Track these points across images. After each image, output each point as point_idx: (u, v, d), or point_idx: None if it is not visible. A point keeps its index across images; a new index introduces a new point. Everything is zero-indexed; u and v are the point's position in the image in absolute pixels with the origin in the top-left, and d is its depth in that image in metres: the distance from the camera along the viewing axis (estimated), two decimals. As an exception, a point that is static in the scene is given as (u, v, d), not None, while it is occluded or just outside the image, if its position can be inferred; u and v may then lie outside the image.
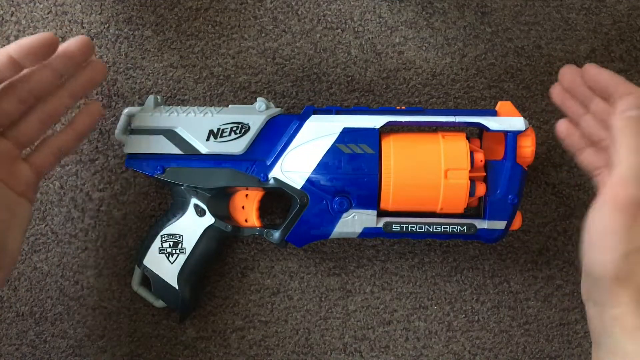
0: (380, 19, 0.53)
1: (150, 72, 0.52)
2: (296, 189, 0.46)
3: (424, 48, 0.53)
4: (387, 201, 0.45)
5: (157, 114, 0.46)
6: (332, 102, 0.53)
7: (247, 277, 0.53)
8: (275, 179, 0.46)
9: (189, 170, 0.46)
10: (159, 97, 0.48)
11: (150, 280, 0.48)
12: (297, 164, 0.46)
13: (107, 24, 0.52)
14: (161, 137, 0.46)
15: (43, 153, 0.40)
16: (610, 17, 0.53)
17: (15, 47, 0.35)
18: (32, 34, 0.52)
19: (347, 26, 0.53)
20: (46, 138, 0.41)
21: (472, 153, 0.44)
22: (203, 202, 0.47)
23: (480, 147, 0.47)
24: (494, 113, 0.46)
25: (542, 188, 0.53)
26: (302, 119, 0.46)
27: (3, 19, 0.52)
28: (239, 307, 0.53)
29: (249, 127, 0.46)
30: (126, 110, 0.47)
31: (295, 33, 0.53)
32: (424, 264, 0.53)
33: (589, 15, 0.53)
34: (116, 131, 0.47)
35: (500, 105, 0.46)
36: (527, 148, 0.45)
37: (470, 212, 0.47)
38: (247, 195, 0.49)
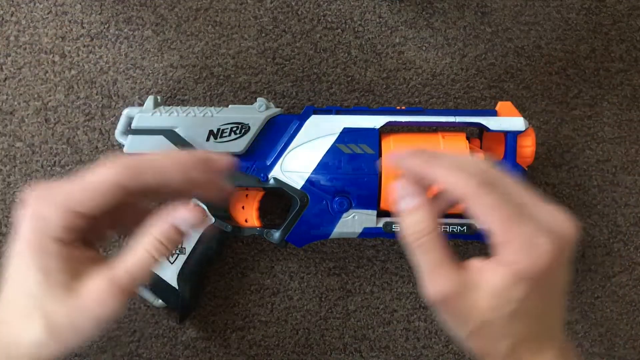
0: (380, 19, 0.53)
1: (150, 72, 0.52)
2: (296, 189, 0.46)
3: (424, 48, 0.53)
4: (387, 201, 0.45)
5: (157, 114, 0.46)
6: (332, 102, 0.53)
7: (247, 277, 0.53)
8: (275, 179, 0.46)
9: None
10: (159, 97, 0.48)
11: (150, 280, 0.48)
12: (297, 164, 0.46)
13: (107, 24, 0.52)
14: (161, 137, 0.46)
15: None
16: (610, 17, 0.53)
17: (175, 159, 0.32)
18: (32, 34, 0.52)
19: (347, 26, 0.53)
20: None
21: (472, 153, 0.44)
22: (203, 202, 0.47)
23: (480, 147, 0.47)
24: (494, 113, 0.46)
25: (542, 188, 0.53)
26: (302, 119, 0.46)
27: (3, 19, 0.52)
28: (239, 307, 0.53)
29: (249, 127, 0.46)
30: (126, 111, 0.47)
31: (295, 33, 0.53)
32: (424, 264, 0.53)
33: (589, 15, 0.53)
34: (116, 131, 0.47)
35: (500, 105, 0.46)
36: (527, 148, 0.45)
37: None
38: (247, 195, 0.49)
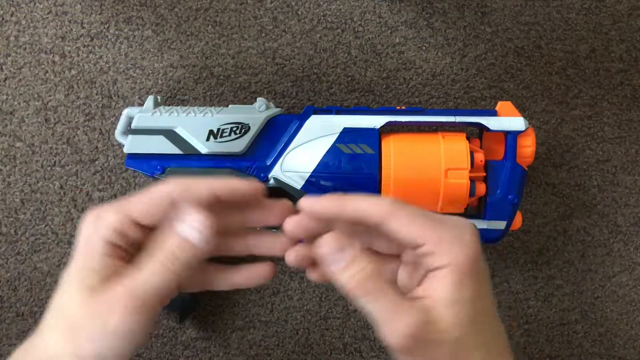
0: (380, 19, 0.53)
1: (150, 72, 0.52)
2: (296, 189, 0.46)
3: (424, 48, 0.53)
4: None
5: (157, 114, 0.46)
6: (332, 102, 0.53)
7: (247, 277, 0.53)
8: (275, 179, 0.46)
9: (189, 170, 0.46)
10: (159, 97, 0.48)
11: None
12: (297, 164, 0.46)
13: (107, 24, 0.52)
14: (161, 137, 0.46)
15: (193, 276, 0.36)
16: (610, 17, 0.53)
17: (221, 185, 0.33)
18: (32, 34, 0.52)
19: (347, 26, 0.53)
20: (204, 267, 0.37)
21: (472, 153, 0.44)
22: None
23: (480, 147, 0.47)
24: (494, 113, 0.46)
25: (542, 188, 0.53)
26: (302, 119, 0.46)
27: (3, 19, 0.52)
28: (239, 307, 0.53)
29: (249, 127, 0.46)
30: (126, 111, 0.47)
31: (295, 33, 0.53)
32: (424, 264, 0.53)
33: (589, 15, 0.53)
34: (116, 131, 0.47)
35: (500, 105, 0.46)
36: (527, 148, 0.45)
37: (471, 212, 0.47)
38: (247, 195, 0.49)
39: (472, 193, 0.44)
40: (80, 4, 0.52)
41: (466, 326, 0.31)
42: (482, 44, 0.53)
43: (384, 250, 0.36)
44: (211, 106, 0.49)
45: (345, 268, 0.31)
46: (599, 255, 0.53)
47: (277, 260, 0.52)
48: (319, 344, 0.53)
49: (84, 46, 0.52)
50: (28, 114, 0.52)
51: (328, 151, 0.45)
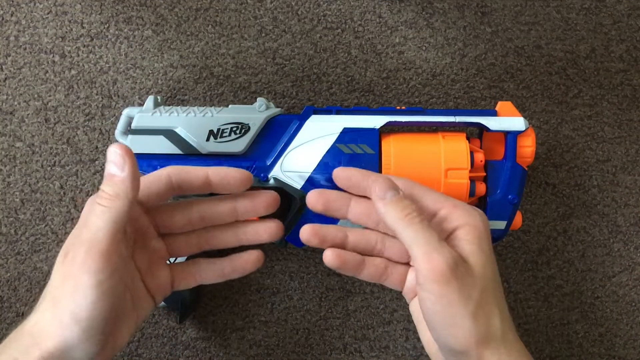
0: (380, 19, 0.53)
1: (150, 72, 0.52)
2: (296, 189, 0.46)
3: (424, 48, 0.53)
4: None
5: (157, 114, 0.46)
6: (332, 102, 0.53)
7: (247, 277, 0.52)
8: (275, 179, 0.46)
9: (189, 170, 0.46)
10: (159, 97, 0.48)
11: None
12: (297, 164, 0.46)
13: (107, 24, 0.52)
14: (161, 137, 0.46)
15: (186, 271, 0.40)
16: (610, 17, 0.53)
17: (214, 171, 0.38)
18: (32, 34, 0.52)
19: (347, 26, 0.53)
20: (196, 260, 0.41)
21: (472, 153, 0.44)
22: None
23: (480, 147, 0.47)
24: (494, 113, 0.46)
25: (542, 188, 0.53)
26: (302, 119, 0.46)
27: (3, 19, 0.52)
28: (239, 307, 0.53)
29: (249, 127, 0.46)
30: (126, 111, 0.47)
31: (295, 33, 0.53)
32: (424, 264, 0.53)
33: (589, 15, 0.53)
34: (116, 131, 0.47)
35: (500, 105, 0.46)
36: (527, 148, 0.45)
37: (470, 212, 0.47)
38: (247, 195, 0.49)
39: (472, 193, 0.44)
40: (80, 4, 0.52)
41: (490, 280, 0.35)
42: (482, 44, 0.53)
43: (395, 258, 0.40)
44: (211, 106, 0.49)
45: (397, 201, 0.36)
46: (599, 255, 0.53)
47: (278, 261, 0.53)
48: (319, 344, 0.53)
49: (84, 46, 0.52)
50: (28, 114, 0.52)
51: (328, 151, 0.45)
